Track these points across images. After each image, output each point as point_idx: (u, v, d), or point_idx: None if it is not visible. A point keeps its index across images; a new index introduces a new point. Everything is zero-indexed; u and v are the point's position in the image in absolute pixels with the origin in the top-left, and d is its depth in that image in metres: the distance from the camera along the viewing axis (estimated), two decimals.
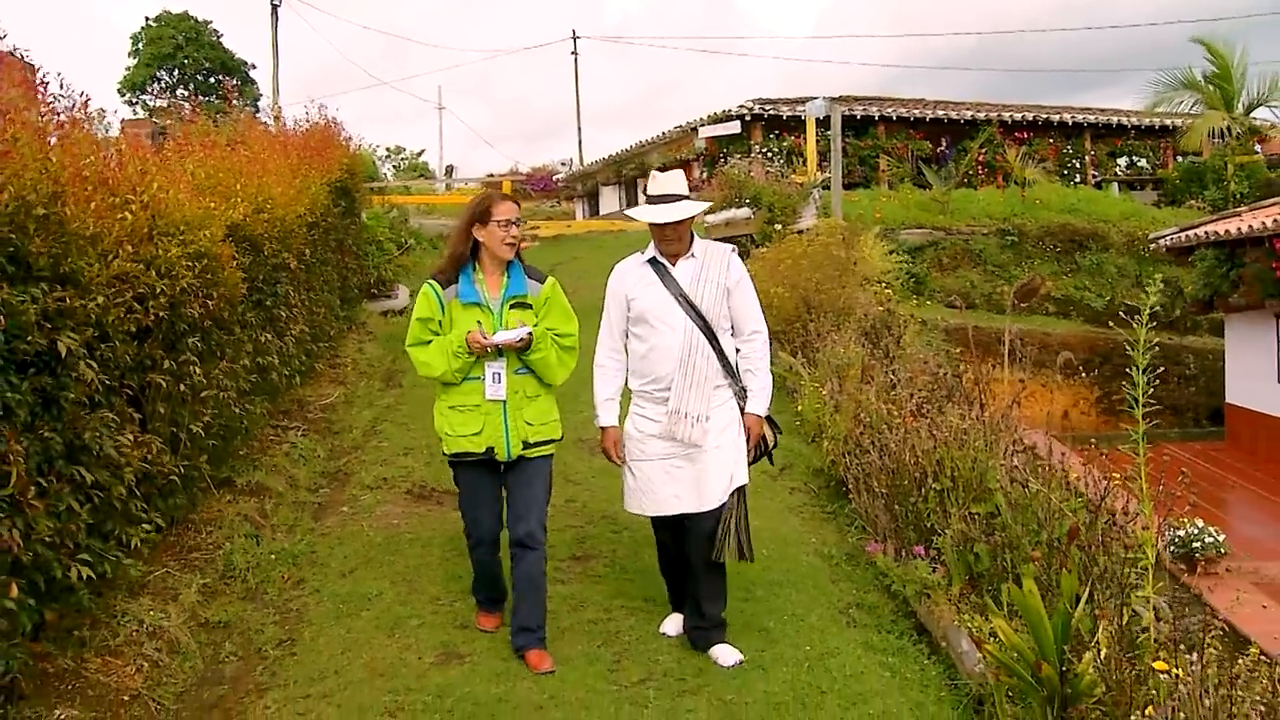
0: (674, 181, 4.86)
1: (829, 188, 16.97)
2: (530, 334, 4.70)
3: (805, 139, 21.29)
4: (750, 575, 5.69)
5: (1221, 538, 7.04)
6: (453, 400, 4.83)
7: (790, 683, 4.57)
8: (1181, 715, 3.13)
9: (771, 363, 5.15)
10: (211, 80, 49.06)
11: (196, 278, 6.02)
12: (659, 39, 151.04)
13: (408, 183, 35.99)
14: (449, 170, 45.22)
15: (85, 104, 5.85)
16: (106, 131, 8.27)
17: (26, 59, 4.84)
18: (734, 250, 5.00)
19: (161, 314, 5.54)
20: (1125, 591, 4.27)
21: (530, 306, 4.86)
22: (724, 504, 4.77)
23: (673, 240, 4.84)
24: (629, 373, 5.01)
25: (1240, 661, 3.38)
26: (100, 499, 4.66)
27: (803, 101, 21.77)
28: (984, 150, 24.17)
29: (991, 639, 4.27)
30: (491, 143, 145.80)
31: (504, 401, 4.76)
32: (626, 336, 5.00)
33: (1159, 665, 3.50)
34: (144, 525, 5.12)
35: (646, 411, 4.90)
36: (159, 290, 5.47)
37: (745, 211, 17.08)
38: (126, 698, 4.32)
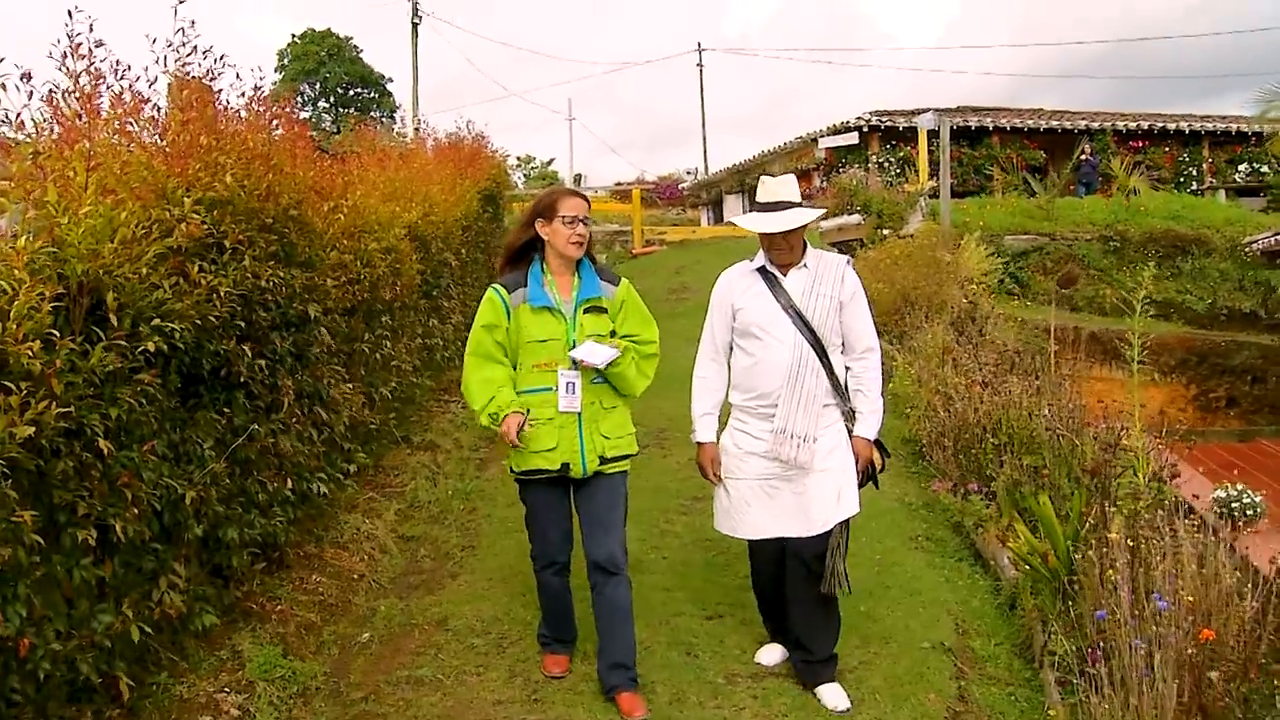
0: (785, 188, 4.51)
1: (937, 195, 18.00)
2: (619, 355, 4.37)
3: (919, 149, 22.24)
4: None
5: (1259, 498, 7.87)
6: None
7: (861, 579, 5.70)
8: (1136, 569, 4.22)
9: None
10: (351, 93, 51.76)
11: (388, 268, 7.47)
12: (782, 50, 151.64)
13: (538, 191, 37.63)
14: (577, 179, 46.82)
15: (306, 126, 7.35)
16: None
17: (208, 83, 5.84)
18: (849, 262, 4.65)
19: (364, 295, 6.96)
20: (1118, 500, 5.36)
21: (605, 310, 4.49)
22: (830, 531, 4.44)
23: (783, 250, 4.49)
24: (730, 386, 4.67)
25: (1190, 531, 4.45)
26: (327, 434, 6.11)
27: (918, 113, 22.79)
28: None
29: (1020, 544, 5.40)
30: (618, 150, 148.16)
31: (579, 414, 4.39)
32: (730, 349, 4.67)
33: (1113, 536, 4.53)
34: (360, 455, 6.59)
35: (748, 427, 4.55)
36: (362, 276, 6.88)
37: (856, 218, 18.19)
38: (356, 577, 5.75)
